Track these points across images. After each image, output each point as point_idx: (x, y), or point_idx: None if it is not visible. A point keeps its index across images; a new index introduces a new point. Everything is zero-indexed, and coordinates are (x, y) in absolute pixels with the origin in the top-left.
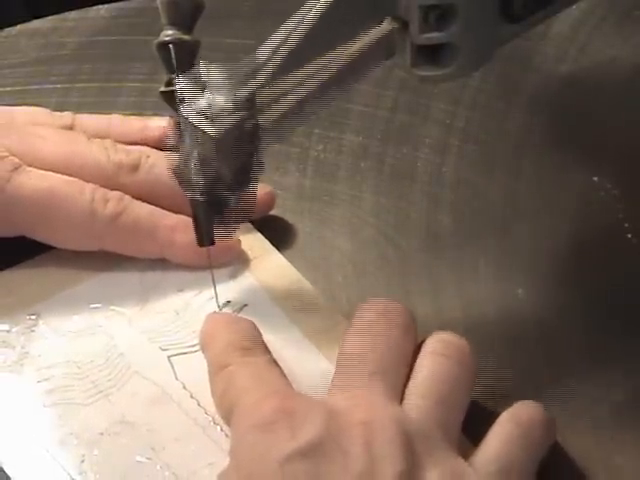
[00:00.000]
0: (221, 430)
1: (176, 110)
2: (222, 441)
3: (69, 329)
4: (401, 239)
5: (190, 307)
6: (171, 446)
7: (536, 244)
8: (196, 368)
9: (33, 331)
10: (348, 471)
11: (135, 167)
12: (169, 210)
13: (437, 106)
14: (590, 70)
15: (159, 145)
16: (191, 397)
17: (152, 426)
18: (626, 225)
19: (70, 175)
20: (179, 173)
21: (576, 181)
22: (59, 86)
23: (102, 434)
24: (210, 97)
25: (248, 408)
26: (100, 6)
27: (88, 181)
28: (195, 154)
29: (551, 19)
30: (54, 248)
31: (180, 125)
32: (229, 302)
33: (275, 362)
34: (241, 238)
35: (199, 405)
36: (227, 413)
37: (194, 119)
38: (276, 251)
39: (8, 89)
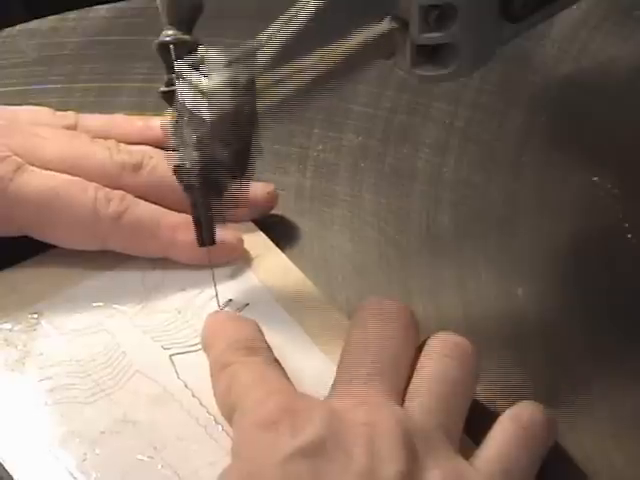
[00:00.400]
0: (222, 429)
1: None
2: (223, 440)
3: (71, 328)
4: (401, 239)
5: (192, 306)
6: (172, 445)
7: (536, 244)
8: (198, 367)
9: (35, 330)
10: (349, 471)
11: (138, 167)
12: (172, 210)
13: (437, 106)
14: (590, 70)
15: (162, 145)
16: (193, 396)
17: (154, 425)
18: (626, 225)
19: (73, 175)
20: (179, 172)
21: (576, 181)
22: (59, 86)
23: (104, 433)
24: (208, 80)
25: (250, 407)
26: (100, 6)
27: (91, 181)
28: (193, 138)
29: (551, 19)
30: (56, 247)
31: (178, 112)
32: (231, 301)
33: (277, 361)
34: (243, 237)
35: (201, 404)
36: (229, 412)
37: (191, 102)
38: (278, 250)
39: (8, 89)
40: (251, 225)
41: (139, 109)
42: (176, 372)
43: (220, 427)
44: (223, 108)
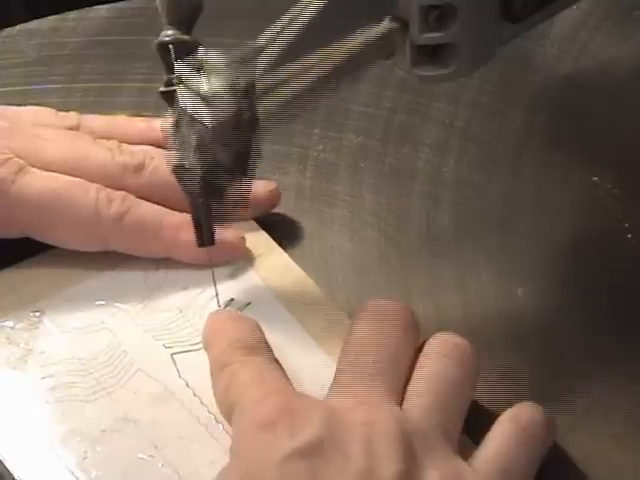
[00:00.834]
0: (223, 428)
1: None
2: (224, 439)
3: (73, 326)
4: (401, 239)
5: (194, 305)
6: (173, 444)
7: (536, 244)
8: (199, 366)
9: (37, 328)
10: (347, 471)
11: (140, 168)
12: (174, 210)
13: (437, 106)
14: (590, 70)
15: (164, 146)
16: (194, 395)
17: (154, 424)
18: (626, 225)
19: (75, 176)
20: (179, 172)
21: (576, 181)
22: (59, 86)
23: (104, 431)
24: (209, 83)
25: (249, 406)
26: (100, 6)
27: (93, 182)
28: (193, 141)
29: (551, 19)
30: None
31: (178, 115)
32: (232, 300)
33: (277, 361)
34: (246, 236)
35: (202, 403)
36: (228, 411)
37: (191, 106)
38: (280, 249)
39: (8, 89)
40: (253, 224)
41: (139, 109)
42: (177, 371)
43: (221, 426)
44: (224, 112)
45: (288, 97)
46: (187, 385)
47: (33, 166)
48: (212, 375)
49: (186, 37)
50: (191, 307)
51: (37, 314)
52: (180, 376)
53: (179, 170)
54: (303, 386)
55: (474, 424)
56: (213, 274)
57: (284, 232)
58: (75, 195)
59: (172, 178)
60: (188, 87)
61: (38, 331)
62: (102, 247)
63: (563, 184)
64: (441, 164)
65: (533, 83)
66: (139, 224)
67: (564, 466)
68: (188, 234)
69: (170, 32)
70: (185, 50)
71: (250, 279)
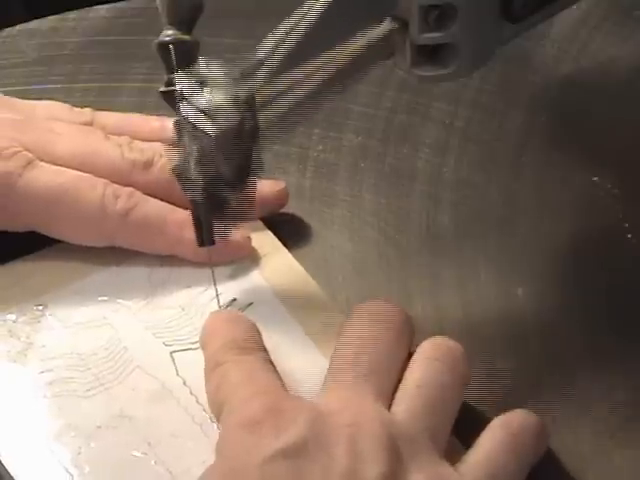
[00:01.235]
0: (217, 428)
1: (176, 110)
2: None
3: (75, 321)
4: (401, 239)
5: (196, 303)
6: (167, 442)
7: (536, 244)
8: (197, 365)
9: (39, 322)
10: (331, 471)
11: (148, 165)
12: (183, 208)
13: (437, 106)
14: (590, 70)
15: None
16: (190, 394)
17: (150, 421)
18: (626, 225)
19: (84, 171)
20: (179, 173)
21: (576, 181)
22: (59, 86)
23: (100, 427)
24: (210, 95)
25: (236, 406)
26: (100, 6)
27: (101, 177)
28: (195, 152)
29: (551, 19)
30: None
31: (179, 123)
32: (235, 300)
33: (271, 362)
34: (252, 236)
35: (198, 402)
36: (218, 410)
37: (193, 117)
38: (285, 250)
39: (8, 89)
40: (259, 224)
41: (139, 109)
42: (176, 369)
43: (215, 426)
44: (226, 122)
45: (290, 105)
46: (184, 383)
47: (42, 160)
48: (205, 374)
49: (186, 37)
50: (193, 305)
51: (40, 308)
52: (178, 374)
53: (179, 170)
54: (300, 387)
55: (466, 427)
56: (213, 274)
57: (284, 232)
58: (82, 190)
59: None
60: (190, 102)
61: (40, 325)
62: (107, 243)
63: (563, 184)
64: (441, 164)
65: (533, 83)
66: (144, 220)
67: (564, 466)
68: (192, 232)
69: (170, 32)
70: (185, 50)
71: (253, 279)
